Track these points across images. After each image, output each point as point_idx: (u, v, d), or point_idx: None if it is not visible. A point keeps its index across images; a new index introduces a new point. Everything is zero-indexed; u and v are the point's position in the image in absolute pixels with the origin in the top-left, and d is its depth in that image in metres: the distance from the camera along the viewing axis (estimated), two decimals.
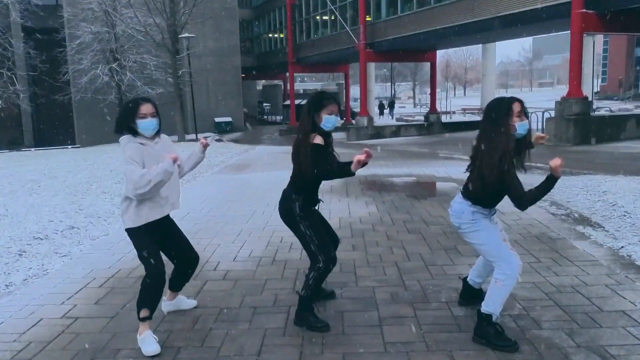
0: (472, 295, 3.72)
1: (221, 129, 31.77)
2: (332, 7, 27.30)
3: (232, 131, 31.87)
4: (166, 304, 3.81)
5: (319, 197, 3.71)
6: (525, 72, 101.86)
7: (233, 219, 6.70)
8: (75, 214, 7.10)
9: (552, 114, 16.04)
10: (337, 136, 28.93)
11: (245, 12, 39.56)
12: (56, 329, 3.60)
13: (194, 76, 26.34)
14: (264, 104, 50.36)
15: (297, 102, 38.80)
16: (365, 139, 23.67)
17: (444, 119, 29.47)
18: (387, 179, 9.63)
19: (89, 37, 25.93)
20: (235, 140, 25.43)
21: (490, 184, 3.08)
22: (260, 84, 57.34)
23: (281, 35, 36.45)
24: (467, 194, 3.32)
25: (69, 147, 25.05)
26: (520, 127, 3.10)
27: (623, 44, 59.25)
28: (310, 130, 3.40)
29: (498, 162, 2.99)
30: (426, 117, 26.89)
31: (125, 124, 3.23)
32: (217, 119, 32.26)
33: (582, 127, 14.61)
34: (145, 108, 3.22)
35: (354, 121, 33.56)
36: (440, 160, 12.42)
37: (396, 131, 25.18)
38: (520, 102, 3.13)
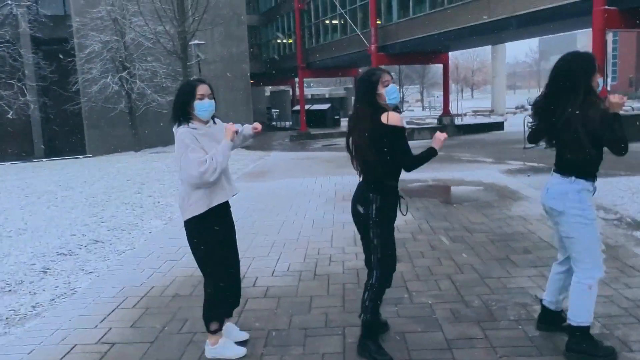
0: (553, 319, 3.35)
1: None
2: (342, 11, 27.06)
3: None
4: (210, 349, 3.22)
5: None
6: (533, 73, 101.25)
7: (263, 229, 6.39)
8: (98, 227, 6.82)
9: None
10: None
11: (253, 18, 39.40)
12: (93, 357, 3.29)
13: None
14: (272, 110, 50.14)
15: (307, 107, 38.54)
16: None
17: (456, 121, 29.10)
18: (415, 184, 9.29)
19: (98, 46, 25.81)
20: (247, 147, 25.13)
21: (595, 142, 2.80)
22: (268, 90, 57.18)
23: (290, 41, 36.24)
24: (566, 168, 2.97)
25: (80, 156, 24.86)
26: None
27: (633, 42, 58.63)
28: (379, 110, 2.97)
29: (600, 120, 2.75)
30: (439, 119, 26.56)
31: (184, 109, 3.03)
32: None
33: None
34: (203, 89, 3.04)
35: None
36: (464, 163, 12.07)
37: (410, 134, 24.78)
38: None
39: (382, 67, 3.30)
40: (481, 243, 5.37)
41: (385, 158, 3.00)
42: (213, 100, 3.12)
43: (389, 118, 2.95)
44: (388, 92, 3.09)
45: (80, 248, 5.92)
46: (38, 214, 8.09)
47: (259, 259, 5.22)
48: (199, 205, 3.07)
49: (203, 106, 3.04)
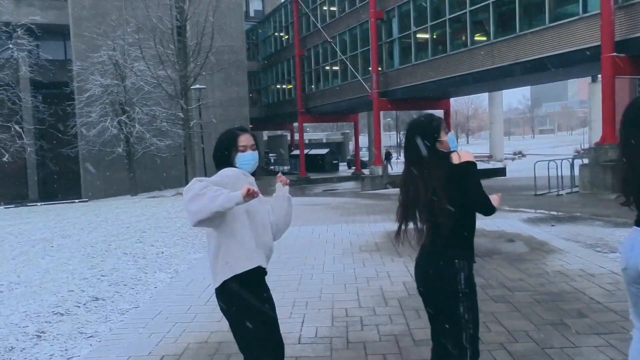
0: None
1: None
2: (343, 57, 27.17)
3: None
4: None
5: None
6: (526, 119, 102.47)
7: (280, 285, 5.82)
8: (98, 282, 6.23)
9: (584, 160, 15.37)
10: (349, 185, 28.04)
11: (253, 64, 39.68)
12: None
13: (203, 127, 25.91)
14: (270, 154, 50.03)
15: (305, 151, 38.34)
16: (380, 188, 22.94)
17: None
18: None
19: (98, 90, 25.72)
20: None
21: None
22: (265, 135, 57.20)
23: (289, 86, 36.35)
24: None
25: (76, 200, 24.28)
26: None
27: (626, 89, 59.46)
28: (445, 155, 2.58)
29: None
30: None
31: (225, 160, 2.72)
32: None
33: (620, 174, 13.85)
34: (245, 139, 2.73)
35: (364, 171, 33.00)
36: None
37: None
38: None
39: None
40: (527, 304, 4.83)
41: (463, 203, 2.52)
42: (256, 152, 2.79)
43: (461, 156, 2.54)
44: (451, 140, 2.68)
45: (78, 306, 5.32)
46: (32, 265, 7.49)
47: (281, 322, 4.61)
48: (229, 269, 2.57)
49: (245, 159, 2.73)
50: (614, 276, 5.54)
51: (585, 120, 49.01)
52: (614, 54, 13.91)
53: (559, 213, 10.46)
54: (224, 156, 2.72)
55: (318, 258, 7.19)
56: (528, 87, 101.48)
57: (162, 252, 7.93)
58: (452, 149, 2.67)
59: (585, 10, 15.13)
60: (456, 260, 2.56)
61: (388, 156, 35.41)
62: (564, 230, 8.37)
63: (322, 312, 4.88)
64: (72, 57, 28.25)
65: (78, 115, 26.47)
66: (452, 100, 67.72)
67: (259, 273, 2.63)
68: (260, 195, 2.55)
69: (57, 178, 31.20)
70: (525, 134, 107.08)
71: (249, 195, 2.36)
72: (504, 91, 42.31)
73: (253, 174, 2.76)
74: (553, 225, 8.84)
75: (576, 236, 7.82)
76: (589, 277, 5.61)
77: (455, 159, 2.53)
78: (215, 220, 2.43)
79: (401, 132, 62.01)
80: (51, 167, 30.75)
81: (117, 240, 9.06)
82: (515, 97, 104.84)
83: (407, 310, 4.80)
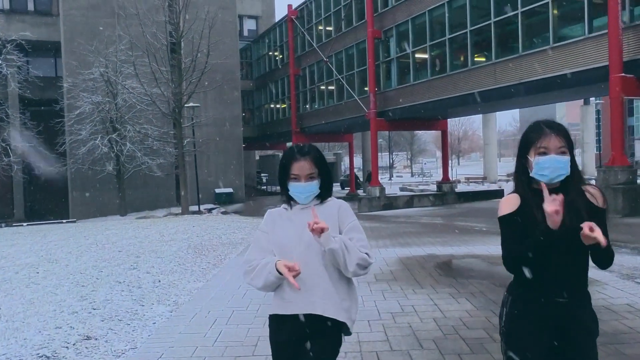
0: None
1: (221, 200, 30.40)
2: (339, 77, 26.80)
3: (232, 202, 30.47)
4: None
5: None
6: (516, 141, 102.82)
7: None
8: (89, 316, 5.54)
9: (593, 182, 14.92)
10: None
11: (247, 83, 39.28)
12: None
13: (197, 146, 25.29)
14: (262, 174, 49.41)
15: None
16: (377, 210, 22.39)
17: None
18: (453, 261, 8.20)
19: (89, 107, 25.07)
20: (240, 212, 24.03)
21: None
22: (257, 154, 56.62)
23: (283, 106, 35.92)
24: None
25: (63, 221, 23.42)
26: None
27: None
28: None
29: None
30: (439, 186, 25.81)
31: (283, 184, 2.43)
32: (217, 190, 30.95)
33: (630, 196, 13.44)
34: (299, 168, 2.35)
35: (359, 192, 32.46)
36: (492, 236, 11.05)
37: (409, 201, 23.96)
38: None
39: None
40: None
41: None
42: (313, 182, 2.38)
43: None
44: (537, 165, 2.15)
45: (67, 347, 4.64)
46: (15, 294, 6.78)
47: None
48: (272, 304, 2.43)
49: (295, 190, 2.38)
50: None
51: (577, 142, 49.07)
52: (622, 74, 13.56)
53: None
54: (282, 180, 2.41)
55: None
56: (517, 110, 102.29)
57: (159, 281, 7.25)
58: (536, 176, 2.15)
59: (590, 30, 14.85)
60: (505, 293, 2.30)
61: (369, 177, 34.80)
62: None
63: (350, 356, 4.24)
64: (63, 73, 27.62)
65: (67, 133, 25.74)
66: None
67: (295, 321, 2.33)
68: (323, 223, 2.19)
69: (45, 197, 30.29)
70: (515, 155, 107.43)
71: (288, 274, 2.18)
72: (495, 113, 42.27)
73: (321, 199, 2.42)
74: None
75: None
76: (638, 312, 5.04)
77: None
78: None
79: (394, 153, 61.84)
80: (38, 186, 29.82)
81: (109, 266, 8.36)
82: (505, 119, 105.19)
83: (447, 354, 4.18)
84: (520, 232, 2.15)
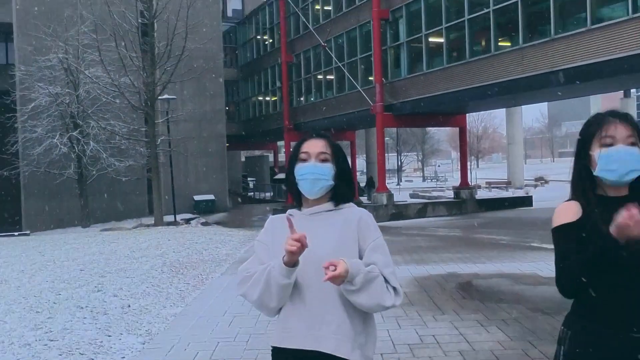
0: None
1: (201, 209, 30.26)
2: (340, 65, 26.73)
3: (214, 211, 30.34)
4: None
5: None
6: (544, 140, 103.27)
7: None
8: (45, 350, 5.37)
9: None
10: None
11: (232, 71, 39.20)
12: None
13: (173, 145, 25.13)
14: (249, 179, 49.25)
15: (280, 176, 37.61)
16: (385, 220, 22.24)
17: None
18: (478, 281, 8.07)
19: (45, 100, 24.91)
20: (222, 223, 23.87)
21: None
22: (243, 155, 56.50)
23: (273, 98, 35.85)
24: None
25: (15, 233, 23.21)
26: None
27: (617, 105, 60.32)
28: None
29: None
30: (456, 192, 25.72)
31: (290, 176, 2.28)
32: (196, 197, 30.81)
33: None
34: (311, 145, 2.24)
35: (362, 199, 32.34)
36: (524, 251, 10.93)
37: (422, 210, 23.87)
38: None
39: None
40: None
41: None
42: (327, 164, 2.21)
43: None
44: (602, 157, 2.03)
45: None
46: None
47: None
48: (273, 333, 2.28)
49: (300, 172, 2.20)
50: None
51: None
52: None
53: None
54: (289, 171, 2.28)
55: None
56: (545, 104, 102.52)
57: (129, 306, 7.09)
58: (600, 175, 2.05)
59: (636, 10, 14.80)
60: (562, 328, 2.17)
61: (370, 183, 34.80)
62: None
63: None
64: (15, 61, 27.46)
65: (20, 131, 25.56)
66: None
67: (298, 357, 2.17)
68: (339, 267, 2.00)
69: None
70: (543, 156, 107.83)
71: (293, 252, 2.00)
72: (521, 107, 42.31)
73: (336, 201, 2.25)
74: None
75: None
76: None
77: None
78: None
79: (402, 154, 61.84)
80: None
81: (69, 288, 8.18)
82: (532, 115, 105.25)
83: None
84: (581, 247, 2.01)
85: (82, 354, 5.26)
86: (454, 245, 12.47)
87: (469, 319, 6.01)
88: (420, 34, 22.40)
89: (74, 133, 24.90)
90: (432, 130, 62.49)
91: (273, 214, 2.40)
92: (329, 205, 2.23)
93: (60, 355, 5.23)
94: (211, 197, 31.30)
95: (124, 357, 5.24)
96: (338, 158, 2.23)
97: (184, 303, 7.38)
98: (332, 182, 2.19)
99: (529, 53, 17.92)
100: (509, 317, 6.06)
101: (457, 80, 20.77)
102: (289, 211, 2.30)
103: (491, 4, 19.05)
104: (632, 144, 2.01)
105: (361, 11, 25.37)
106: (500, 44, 19.34)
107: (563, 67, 16.79)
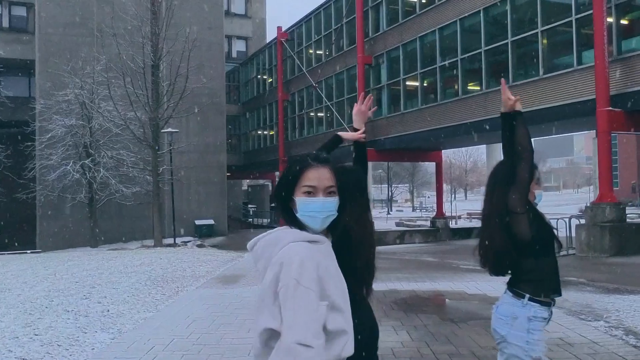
0: None
1: (202, 233, 30.93)
2: (329, 103, 27.72)
3: (214, 235, 31.01)
4: None
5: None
6: None
7: (231, 349, 5.77)
8: (29, 341, 6.13)
9: (580, 220, 15.61)
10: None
11: (233, 107, 40.27)
12: None
13: (175, 174, 26.00)
14: (249, 206, 49.97)
15: None
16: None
17: (450, 224, 29.02)
18: (412, 296, 8.79)
19: (61, 131, 25.82)
20: (219, 246, 24.55)
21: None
22: (246, 184, 57.34)
23: (271, 132, 36.83)
24: (515, 282, 2.90)
25: (28, 251, 23.93)
26: None
27: (633, 148, 60.88)
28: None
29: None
30: (432, 222, 26.42)
31: (284, 206, 1.98)
32: (197, 222, 31.49)
33: (618, 235, 14.07)
34: (314, 175, 1.93)
35: None
36: (463, 273, 11.65)
37: (400, 237, 24.53)
38: None
39: None
40: None
41: None
42: (334, 199, 1.96)
43: None
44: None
45: None
46: None
47: None
48: None
49: (309, 209, 1.93)
50: (594, 346, 5.58)
51: (592, 178, 49.78)
52: (609, 108, 14.36)
53: None
54: (282, 200, 1.97)
55: None
56: (532, 141, 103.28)
57: (108, 310, 7.84)
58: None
59: (580, 62, 15.73)
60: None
61: None
62: None
63: None
64: (36, 94, 28.51)
65: (38, 158, 26.46)
66: (450, 152, 69.10)
67: None
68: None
69: (10, 226, 30.82)
70: None
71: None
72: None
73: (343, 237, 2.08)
74: None
75: (562, 302, 7.86)
76: (567, 346, 5.64)
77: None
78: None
79: (393, 185, 62.60)
80: (5, 214, 30.39)
81: (61, 296, 8.95)
82: None
83: None
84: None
85: (59, 345, 6.01)
86: (409, 267, 13.15)
87: (387, 325, 6.71)
88: (399, 78, 23.40)
89: (86, 161, 25.76)
90: (422, 163, 63.58)
91: (298, 246, 1.86)
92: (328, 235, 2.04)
93: (41, 346, 5.99)
94: (211, 221, 31.96)
95: (93, 349, 5.98)
96: (338, 185, 1.99)
97: (156, 309, 8.11)
98: (336, 214, 1.99)
99: (491, 98, 18.82)
100: (421, 323, 6.79)
101: (430, 120, 21.67)
102: (316, 237, 1.93)
103: (459, 53, 20.05)
104: None
105: (348, 56, 26.44)
106: (467, 88, 20.28)
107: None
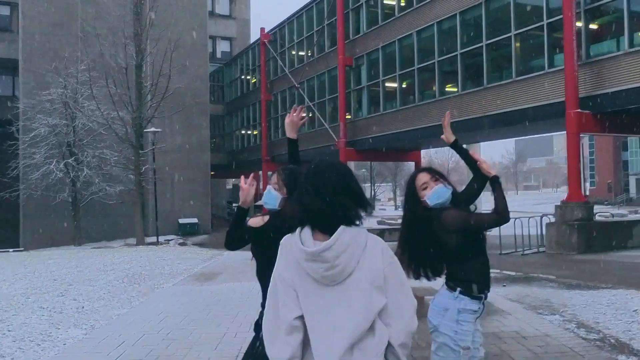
0: None
1: (186, 231, 30.93)
2: (310, 104, 27.86)
3: (197, 234, 31.02)
4: None
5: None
6: (509, 174, 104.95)
7: (198, 343, 5.90)
8: (2, 337, 6.20)
9: (552, 218, 15.91)
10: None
11: (217, 107, 40.26)
12: None
13: (158, 173, 25.97)
14: (233, 205, 49.97)
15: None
16: None
17: None
18: None
19: (44, 130, 25.68)
20: (201, 244, 24.59)
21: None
22: (230, 183, 57.29)
23: (255, 132, 36.89)
24: (450, 278, 3.05)
25: (10, 250, 23.78)
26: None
27: (610, 148, 61.77)
28: None
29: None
30: None
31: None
32: (181, 220, 31.50)
33: (586, 233, 14.37)
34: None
35: None
36: None
37: (380, 235, 24.62)
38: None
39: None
40: None
41: None
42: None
43: None
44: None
45: None
46: None
47: None
48: None
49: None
50: (546, 339, 5.77)
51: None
52: (578, 110, 14.66)
53: (517, 273, 10.78)
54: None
55: (249, 315, 7.25)
56: (512, 141, 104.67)
57: (83, 307, 7.91)
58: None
59: (551, 65, 16.02)
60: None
61: None
62: (513, 290, 8.65)
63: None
64: (20, 94, 28.32)
65: (21, 157, 26.28)
66: (432, 151, 69.53)
67: None
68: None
69: None
70: (508, 189, 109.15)
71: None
72: (487, 144, 43.50)
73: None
74: (504, 286, 9.12)
75: (523, 297, 8.09)
76: (521, 339, 5.83)
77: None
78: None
79: (376, 184, 62.87)
80: None
81: (38, 294, 9.00)
82: (499, 151, 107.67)
83: None
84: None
85: (31, 341, 6.10)
86: None
87: None
88: (379, 80, 23.60)
89: (69, 160, 25.66)
90: (406, 163, 63.86)
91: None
92: (325, 238, 2.05)
93: (14, 341, 6.07)
94: (194, 220, 31.98)
95: (65, 344, 6.06)
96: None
97: (130, 306, 8.20)
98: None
99: (465, 99, 19.10)
100: None
101: (408, 120, 21.90)
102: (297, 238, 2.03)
103: (436, 56, 20.29)
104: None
105: (329, 58, 26.59)
106: (443, 90, 20.53)
107: (492, 113, 17.97)
